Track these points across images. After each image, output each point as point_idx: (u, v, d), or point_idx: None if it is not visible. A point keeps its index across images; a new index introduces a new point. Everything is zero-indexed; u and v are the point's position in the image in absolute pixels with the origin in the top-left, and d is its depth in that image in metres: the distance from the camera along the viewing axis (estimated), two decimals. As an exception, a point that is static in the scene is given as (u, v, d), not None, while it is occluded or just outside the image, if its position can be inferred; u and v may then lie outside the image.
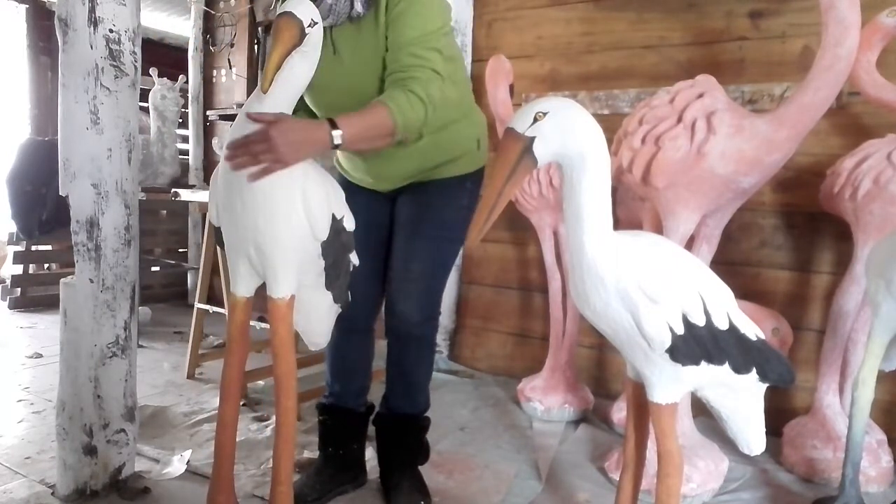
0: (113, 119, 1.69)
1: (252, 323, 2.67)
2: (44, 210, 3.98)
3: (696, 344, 1.20)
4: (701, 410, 1.87)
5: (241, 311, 1.53)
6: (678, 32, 2.60)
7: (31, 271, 4.22)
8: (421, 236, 1.70)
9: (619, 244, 1.19)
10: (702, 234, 2.03)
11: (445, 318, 3.14)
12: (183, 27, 4.99)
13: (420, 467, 1.87)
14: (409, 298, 1.70)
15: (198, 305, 2.82)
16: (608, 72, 2.75)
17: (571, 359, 2.58)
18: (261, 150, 1.31)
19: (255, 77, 4.25)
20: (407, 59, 1.50)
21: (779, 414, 2.19)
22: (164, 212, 4.58)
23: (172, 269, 4.53)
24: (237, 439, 1.68)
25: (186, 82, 4.08)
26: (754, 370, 1.26)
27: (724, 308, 1.24)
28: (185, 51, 4.44)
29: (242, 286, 1.51)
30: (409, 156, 1.67)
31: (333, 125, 1.39)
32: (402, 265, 1.70)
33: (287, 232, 1.40)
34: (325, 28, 1.60)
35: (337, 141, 1.38)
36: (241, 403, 2.19)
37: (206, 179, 4.40)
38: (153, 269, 4.50)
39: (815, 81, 1.72)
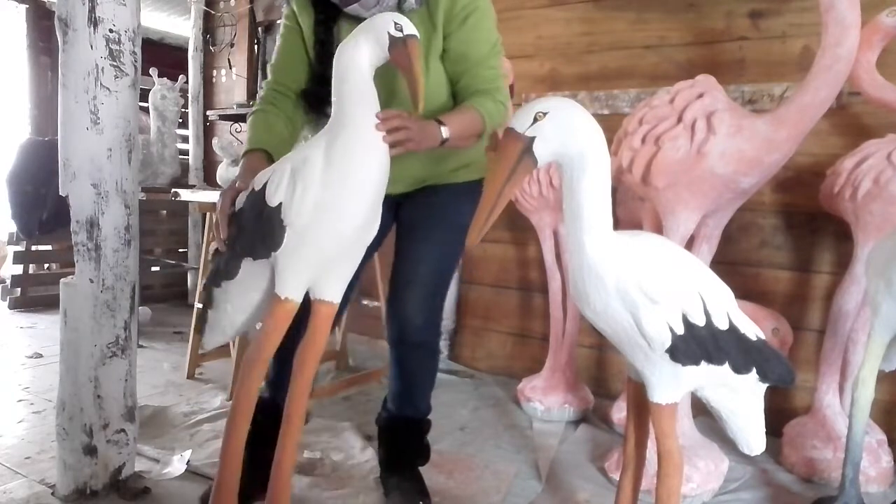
0: (113, 119, 1.68)
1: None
2: (44, 210, 3.98)
3: (696, 344, 1.20)
4: (701, 410, 1.87)
5: (290, 318, 1.45)
6: (678, 32, 2.60)
7: (31, 271, 4.21)
8: (432, 240, 1.69)
9: (619, 244, 1.19)
10: (702, 234, 2.03)
11: (445, 317, 3.14)
12: (183, 27, 4.99)
13: (420, 467, 1.86)
14: (415, 302, 1.69)
15: (198, 305, 2.82)
16: (608, 72, 2.75)
17: (571, 359, 2.58)
18: (405, 127, 1.35)
19: (255, 77, 4.26)
20: (487, 73, 1.61)
21: (779, 414, 2.19)
22: (164, 212, 4.58)
23: (172, 269, 4.53)
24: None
25: (186, 82, 4.08)
26: (754, 370, 1.25)
27: (724, 308, 1.24)
28: (185, 51, 4.44)
29: (302, 291, 1.43)
30: (426, 158, 1.66)
31: (440, 122, 1.47)
32: (412, 268, 1.69)
33: (369, 240, 1.45)
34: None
35: (445, 136, 1.46)
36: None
37: (206, 179, 4.40)
38: (153, 269, 4.50)
39: (815, 81, 1.72)
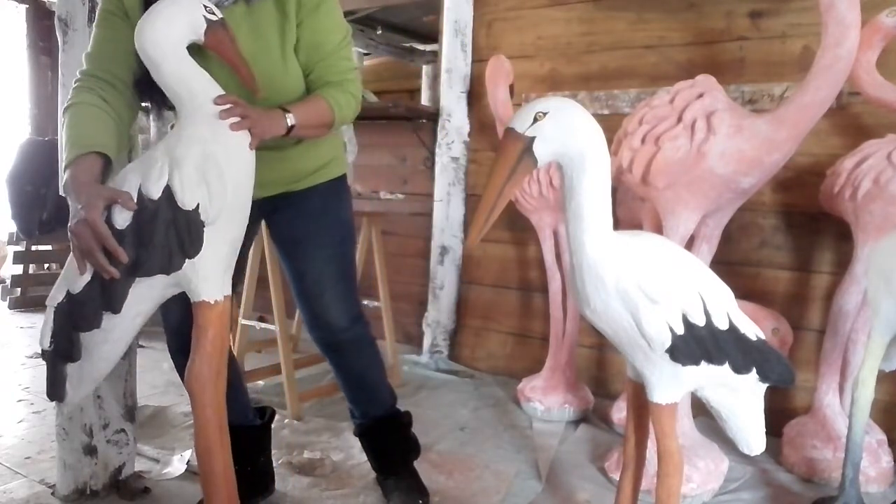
0: (113, 119, 1.68)
1: (251, 323, 2.68)
2: (44, 210, 3.98)
3: (696, 344, 1.20)
4: (701, 410, 1.87)
5: (225, 317, 1.37)
6: (678, 32, 2.60)
7: (31, 271, 4.21)
8: (326, 244, 1.66)
9: (619, 244, 1.19)
10: (702, 234, 2.03)
11: (445, 317, 3.15)
12: (183, 27, 4.97)
13: (419, 467, 1.87)
14: (335, 306, 1.67)
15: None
16: (608, 72, 2.75)
17: (571, 359, 2.58)
18: (245, 113, 1.31)
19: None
20: (340, 64, 1.56)
21: (779, 414, 2.19)
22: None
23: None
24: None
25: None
26: (754, 370, 1.26)
27: (724, 308, 1.24)
28: (185, 51, 4.43)
29: (225, 288, 1.37)
30: (287, 158, 1.60)
31: (285, 110, 1.41)
32: (318, 278, 1.66)
33: None
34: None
35: (291, 122, 1.41)
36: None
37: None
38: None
39: (815, 81, 1.72)
